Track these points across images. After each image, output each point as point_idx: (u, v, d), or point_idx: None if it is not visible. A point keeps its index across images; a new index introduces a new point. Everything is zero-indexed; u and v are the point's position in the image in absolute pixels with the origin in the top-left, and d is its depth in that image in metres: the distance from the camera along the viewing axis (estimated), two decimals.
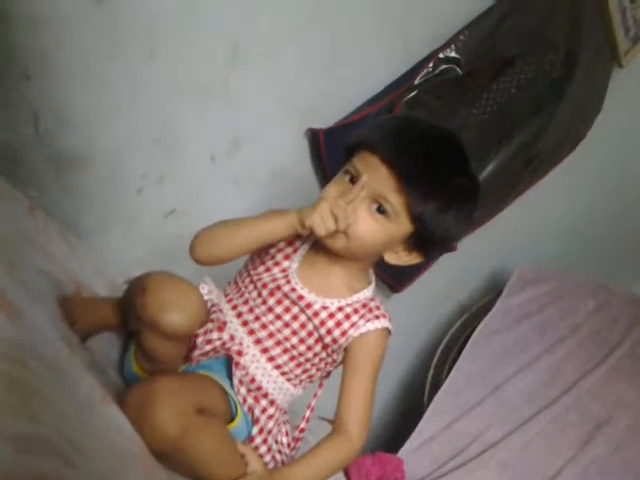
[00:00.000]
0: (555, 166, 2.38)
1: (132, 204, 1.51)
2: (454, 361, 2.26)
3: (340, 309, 1.07)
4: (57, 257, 1.15)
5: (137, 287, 0.93)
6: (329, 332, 1.07)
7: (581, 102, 2.25)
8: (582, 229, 2.75)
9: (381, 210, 1.01)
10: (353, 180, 1.03)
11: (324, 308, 1.07)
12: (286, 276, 1.08)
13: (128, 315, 0.98)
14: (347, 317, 1.07)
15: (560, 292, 2.44)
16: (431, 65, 1.77)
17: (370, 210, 1.01)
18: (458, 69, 1.79)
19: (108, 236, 1.51)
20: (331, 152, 1.68)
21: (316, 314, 1.07)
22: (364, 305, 1.09)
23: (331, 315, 1.07)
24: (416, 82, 1.76)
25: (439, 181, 1.02)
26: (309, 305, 1.07)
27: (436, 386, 2.23)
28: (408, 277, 2.17)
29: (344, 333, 1.07)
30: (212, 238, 1.06)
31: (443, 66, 1.78)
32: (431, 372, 2.33)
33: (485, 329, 2.30)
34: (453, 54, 1.79)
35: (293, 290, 1.07)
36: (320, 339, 1.08)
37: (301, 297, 1.07)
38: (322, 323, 1.07)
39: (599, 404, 2.16)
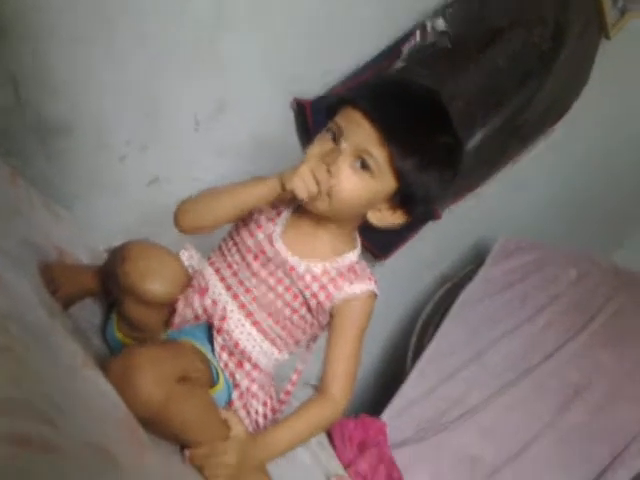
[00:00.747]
0: (540, 137, 2.38)
1: (115, 172, 1.51)
2: (437, 327, 2.28)
3: (325, 272, 1.07)
4: (39, 225, 1.15)
5: (118, 256, 0.94)
6: (314, 295, 1.07)
7: (568, 74, 2.25)
8: (565, 200, 2.76)
9: (365, 166, 1.00)
10: (335, 138, 1.01)
11: (308, 271, 1.07)
12: (270, 240, 1.08)
13: (109, 283, 0.99)
14: (332, 280, 1.07)
15: (542, 262, 2.46)
16: (419, 35, 1.76)
17: (353, 167, 0.99)
18: (447, 39, 1.78)
19: (91, 204, 1.50)
20: (318, 122, 1.65)
21: (300, 277, 1.07)
22: (349, 268, 1.08)
23: (315, 278, 1.06)
24: (404, 52, 1.75)
25: (422, 136, 1.00)
26: (293, 268, 1.07)
27: (419, 352, 2.25)
28: (392, 245, 2.18)
29: (329, 296, 1.06)
30: (195, 207, 1.05)
31: (431, 36, 1.77)
32: (414, 338, 2.36)
33: (468, 297, 2.32)
34: (442, 24, 1.77)
35: (277, 253, 1.07)
36: (306, 302, 1.08)
37: (285, 260, 1.07)
38: (306, 286, 1.07)
39: (578, 371, 2.19)
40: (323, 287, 1.07)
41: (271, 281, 1.08)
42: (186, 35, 1.46)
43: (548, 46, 2.06)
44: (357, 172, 1.00)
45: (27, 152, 1.34)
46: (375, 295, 1.10)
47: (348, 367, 1.07)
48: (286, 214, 1.11)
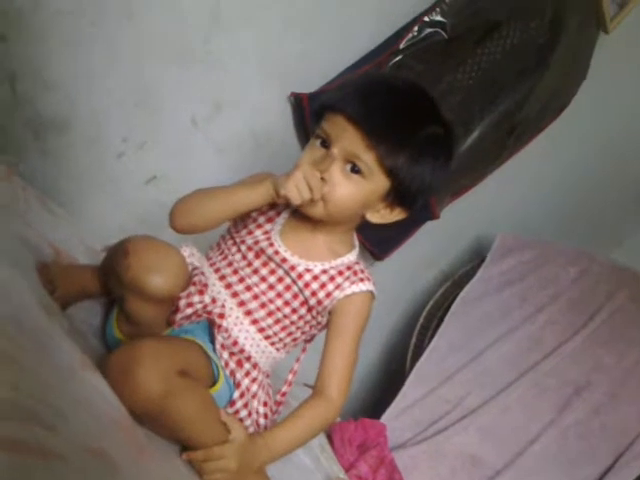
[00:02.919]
0: (539, 133, 2.38)
1: (113, 169, 1.50)
2: (436, 328, 2.28)
3: (324, 272, 1.07)
4: (36, 224, 1.14)
5: (119, 251, 0.92)
6: (314, 294, 1.07)
7: (566, 69, 2.24)
8: (564, 197, 2.76)
9: (355, 170, 1.01)
10: (324, 143, 1.03)
11: (308, 270, 1.07)
12: (269, 238, 1.08)
13: (110, 280, 0.97)
14: (331, 279, 1.07)
15: (541, 260, 2.45)
16: (416, 29, 1.75)
17: (344, 172, 1.01)
18: (443, 33, 1.77)
19: (88, 202, 1.49)
20: (315, 117, 1.66)
21: (300, 276, 1.07)
22: (348, 267, 1.09)
23: (315, 277, 1.07)
24: (401, 46, 1.74)
25: (407, 131, 1.01)
26: (293, 267, 1.07)
27: (418, 352, 2.25)
28: (391, 245, 2.17)
29: (329, 295, 1.07)
30: (189, 207, 1.05)
31: (428, 30, 1.75)
32: (413, 339, 2.35)
33: (467, 296, 2.32)
34: (439, 17, 1.76)
35: (276, 253, 1.07)
36: (305, 301, 1.08)
37: (284, 260, 1.07)
38: (306, 285, 1.07)
39: (578, 370, 2.19)
40: (323, 286, 1.07)
41: (272, 279, 1.08)
42: (183, 32, 1.45)
43: (545, 40, 2.06)
44: (348, 176, 1.01)
45: (23, 149, 1.33)
46: (373, 296, 1.11)
47: (345, 366, 1.07)
48: (285, 214, 1.11)
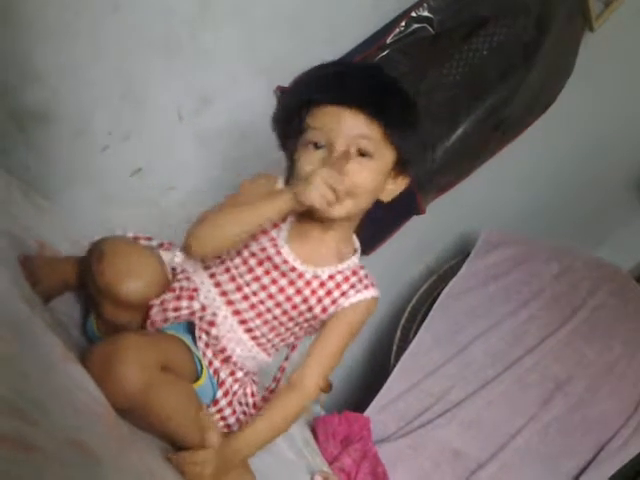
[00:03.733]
0: (524, 130, 2.38)
1: (97, 162, 1.49)
2: (421, 322, 2.29)
3: (331, 277, 1.06)
4: (19, 216, 1.13)
5: (94, 253, 0.91)
6: (319, 301, 1.05)
7: (551, 66, 2.25)
8: (548, 194, 2.77)
9: (362, 152, 1.00)
10: (317, 145, 1.01)
11: (315, 277, 1.05)
12: (275, 245, 1.05)
13: (86, 283, 0.96)
14: (338, 286, 1.06)
15: (525, 256, 2.47)
16: (403, 24, 1.75)
17: (355, 159, 1.00)
18: (430, 28, 1.77)
19: (73, 194, 1.48)
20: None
21: (308, 283, 1.05)
22: (354, 272, 1.08)
23: (322, 284, 1.05)
24: (388, 41, 1.74)
25: (394, 99, 1.04)
26: (301, 275, 1.05)
27: (403, 346, 2.26)
28: (377, 240, 2.17)
29: (334, 302, 1.06)
30: (207, 234, 1.01)
31: (415, 25, 1.76)
32: (398, 333, 2.36)
33: (451, 291, 2.33)
34: (426, 13, 1.76)
35: (285, 262, 1.05)
36: (308, 310, 1.06)
37: (293, 268, 1.05)
38: (313, 292, 1.05)
39: (560, 365, 2.21)
40: (329, 293, 1.06)
41: (273, 289, 1.05)
42: (170, 25, 1.44)
43: (531, 37, 2.06)
44: (360, 162, 1.01)
45: (7, 141, 1.31)
46: (376, 300, 1.10)
47: (329, 365, 1.07)
48: (290, 219, 1.08)
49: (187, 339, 1.02)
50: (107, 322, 0.96)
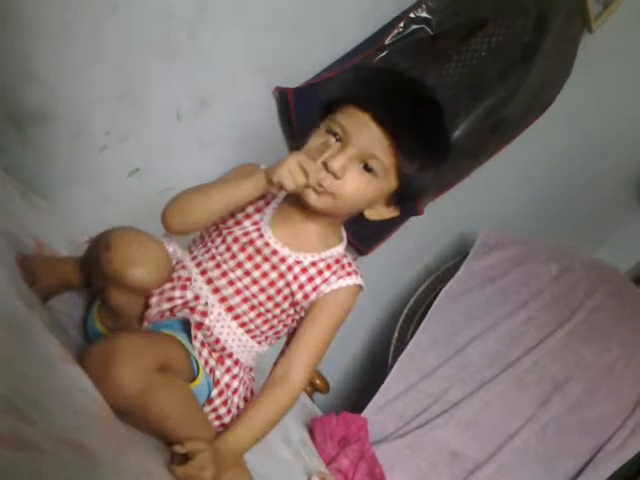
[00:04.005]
0: (523, 130, 2.39)
1: (95, 162, 1.48)
2: (419, 323, 2.29)
3: (313, 264, 1.07)
4: (17, 216, 1.13)
5: (101, 243, 0.92)
6: (301, 287, 1.06)
7: (550, 67, 2.25)
8: (547, 195, 2.77)
9: (368, 169, 1.01)
10: (340, 139, 1.02)
11: (297, 262, 1.07)
12: (258, 229, 1.07)
13: (92, 272, 0.97)
14: (320, 272, 1.07)
15: (523, 257, 2.47)
16: (402, 25, 1.75)
17: (358, 169, 1.01)
18: (429, 29, 1.77)
19: (70, 194, 1.48)
20: (300, 111, 1.66)
21: (290, 268, 1.06)
22: (337, 261, 1.09)
23: (304, 270, 1.07)
24: (386, 42, 1.74)
25: (427, 139, 1.03)
26: (283, 259, 1.06)
27: (401, 347, 2.26)
28: (375, 240, 2.17)
29: (316, 288, 1.07)
30: (182, 208, 1.03)
31: (414, 26, 1.76)
32: (396, 334, 2.36)
33: (450, 292, 2.33)
34: (424, 14, 1.76)
35: (267, 245, 1.06)
36: (291, 295, 1.07)
37: (275, 251, 1.06)
38: (295, 277, 1.06)
39: (558, 366, 2.21)
40: (311, 279, 1.07)
41: (256, 274, 1.06)
42: (168, 25, 1.44)
43: (530, 38, 2.07)
44: (362, 174, 1.02)
45: (4, 141, 1.31)
46: (361, 288, 1.11)
47: (315, 355, 1.07)
48: (274, 204, 1.11)
49: (183, 338, 1.02)
50: (113, 312, 0.97)
